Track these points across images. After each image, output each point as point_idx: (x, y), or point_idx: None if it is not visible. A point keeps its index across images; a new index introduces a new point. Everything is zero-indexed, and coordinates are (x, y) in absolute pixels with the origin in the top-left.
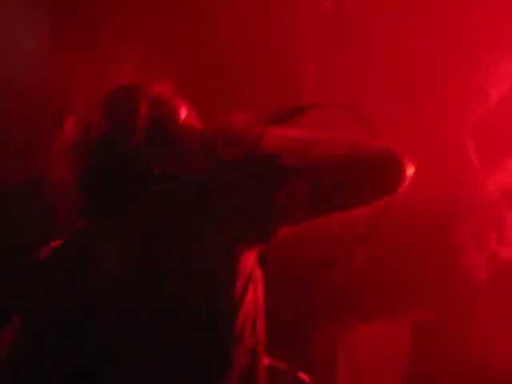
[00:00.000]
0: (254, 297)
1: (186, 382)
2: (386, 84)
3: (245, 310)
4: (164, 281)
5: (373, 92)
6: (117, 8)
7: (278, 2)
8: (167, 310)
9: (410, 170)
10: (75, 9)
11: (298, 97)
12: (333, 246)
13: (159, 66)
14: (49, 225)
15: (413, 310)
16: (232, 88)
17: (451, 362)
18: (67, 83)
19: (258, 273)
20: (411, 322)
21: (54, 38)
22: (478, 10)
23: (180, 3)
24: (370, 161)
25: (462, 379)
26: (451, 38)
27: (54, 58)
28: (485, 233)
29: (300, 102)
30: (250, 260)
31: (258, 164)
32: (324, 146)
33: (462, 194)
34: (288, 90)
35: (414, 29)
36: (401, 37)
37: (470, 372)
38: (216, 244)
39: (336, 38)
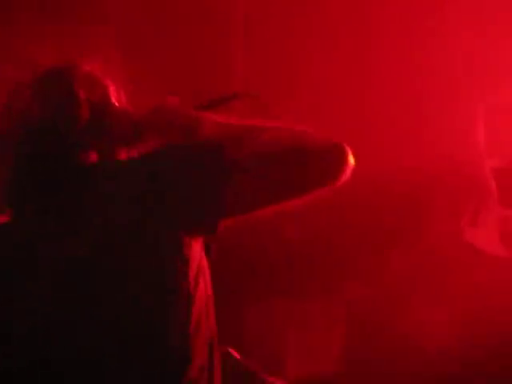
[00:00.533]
0: (204, 286)
1: (148, 377)
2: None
3: (199, 299)
4: (113, 276)
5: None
6: None
7: None
8: (121, 306)
9: (352, 161)
10: None
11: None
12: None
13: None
14: None
15: (348, 288)
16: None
17: (386, 340)
18: None
19: (205, 261)
20: (347, 299)
21: None
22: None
23: None
24: (313, 150)
25: (396, 358)
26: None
27: None
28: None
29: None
30: (197, 250)
31: (204, 155)
32: (266, 136)
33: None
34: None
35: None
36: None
37: (403, 351)
38: (163, 235)
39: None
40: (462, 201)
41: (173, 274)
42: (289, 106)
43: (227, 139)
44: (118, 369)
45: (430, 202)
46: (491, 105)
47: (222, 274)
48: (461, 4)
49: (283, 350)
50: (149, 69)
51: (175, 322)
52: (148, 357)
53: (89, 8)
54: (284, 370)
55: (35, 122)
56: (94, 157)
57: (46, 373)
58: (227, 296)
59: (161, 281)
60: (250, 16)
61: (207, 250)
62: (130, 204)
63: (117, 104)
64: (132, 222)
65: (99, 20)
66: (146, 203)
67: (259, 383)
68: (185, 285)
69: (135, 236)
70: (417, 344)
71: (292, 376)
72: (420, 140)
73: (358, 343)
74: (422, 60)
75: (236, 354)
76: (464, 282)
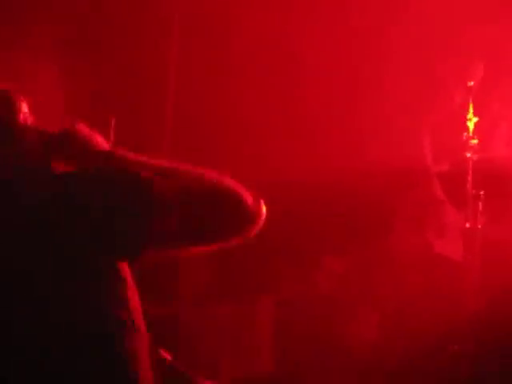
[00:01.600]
0: (131, 292)
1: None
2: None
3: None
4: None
5: None
6: None
7: None
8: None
9: (263, 211)
10: None
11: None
12: None
13: None
14: None
15: (276, 288)
16: None
17: (313, 340)
18: None
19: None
20: (274, 300)
21: None
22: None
23: None
24: (233, 196)
25: (324, 356)
26: None
27: None
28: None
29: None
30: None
31: (133, 183)
32: (188, 176)
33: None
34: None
35: None
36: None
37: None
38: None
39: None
40: (426, 213)
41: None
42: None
43: (145, 172)
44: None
45: (391, 210)
46: (436, 117)
47: (156, 278)
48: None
49: (217, 352)
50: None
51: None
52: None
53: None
54: (218, 371)
55: None
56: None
57: None
58: (163, 299)
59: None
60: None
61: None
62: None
63: (25, 121)
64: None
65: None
66: (58, 227)
67: None
68: (111, 298)
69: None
70: (345, 343)
71: (226, 378)
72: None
73: (286, 344)
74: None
75: (168, 356)
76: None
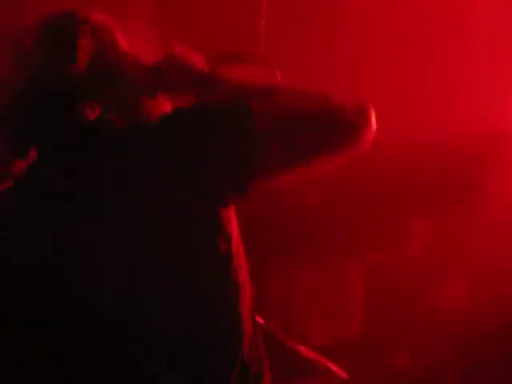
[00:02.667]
0: (241, 255)
1: (206, 351)
2: None
3: (241, 270)
4: (153, 245)
5: None
6: None
7: None
8: (166, 276)
9: (375, 120)
10: None
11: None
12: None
13: None
14: None
15: (366, 253)
16: None
17: (401, 307)
18: None
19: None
20: (365, 265)
21: None
22: None
23: None
24: (340, 111)
25: (412, 324)
26: None
27: None
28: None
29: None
30: (233, 220)
31: (234, 116)
32: (291, 96)
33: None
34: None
35: None
36: None
37: (418, 317)
38: (200, 204)
39: None
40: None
41: (216, 246)
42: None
43: (253, 99)
44: (171, 341)
45: (481, 171)
46: None
47: (245, 241)
48: None
49: (306, 316)
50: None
51: (226, 295)
52: (204, 333)
53: None
54: (308, 335)
55: (33, 70)
56: (96, 108)
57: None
58: (251, 263)
59: (203, 254)
60: None
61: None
62: (158, 171)
63: (124, 51)
64: (164, 190)
65: None
66: (177, 170)
67: (284, 349)
68: (228, 256)
69: (172, 205)
70: (435, 307)
71: (315, 341)
72: (455, 116)
73: (376, 309)
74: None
75: (260, 321)
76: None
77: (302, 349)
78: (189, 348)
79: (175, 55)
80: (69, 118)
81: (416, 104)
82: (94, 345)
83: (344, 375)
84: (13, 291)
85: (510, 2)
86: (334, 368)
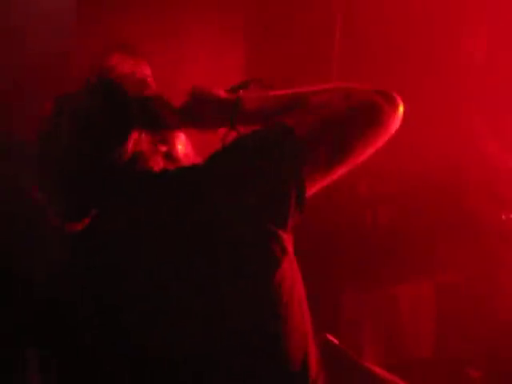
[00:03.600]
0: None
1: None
2: None
3: (298, 293)
4: (210, 279)
5: None
6: None
7: None
8: (228, 309)
9: (401, 107)
10: None
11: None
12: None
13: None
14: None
15: (435, 273)
16: None
17: (476, 325)
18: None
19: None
20: (435, 284)
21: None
22: None
23: None
24: (369, 105)
25: (487, 341)
26: None
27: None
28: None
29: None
30: (290, 242)
31: (277, 139)
32: (316, 100)
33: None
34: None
35: None
36: None
37: (495, 333)
38: (258, 229)
39: None
40: None
41: (276, 271)
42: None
43: (285, 115)
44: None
45: None
46: None
47: (317, 265)
48: None
49: (379, 336)
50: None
51: (291, 320)
52: (273, 361)
53: None
54: (381, 355)
55: (96, 130)
56: (151, 157)
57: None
58: (322, 283)
59: (266, 280)
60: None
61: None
62: (219, 202)
63: (157, 94)
64: (225, 220)
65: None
66: (235, 198)
67: (358, 369)
68: (288, 279)
69: (232, 234)
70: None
71: (389, 361)
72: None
73: (448, 328)
74: None
75: (334, 340)
76: None
77: (377, 369)
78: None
79: (197, 90)
80: (122, 166)
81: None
82: None
83: None
84: (81, 341)
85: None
86: None
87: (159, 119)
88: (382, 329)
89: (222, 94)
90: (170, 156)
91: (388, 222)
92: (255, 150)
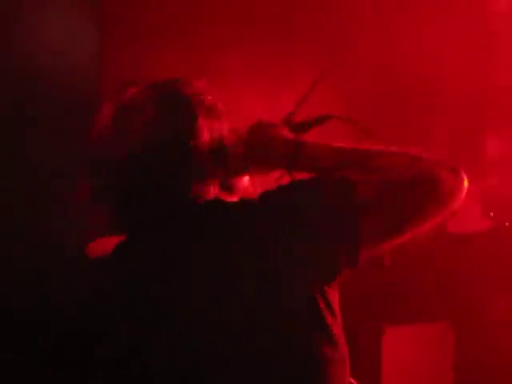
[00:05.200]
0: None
1: None
2: None
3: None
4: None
5: None
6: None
7: None
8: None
9: (466, 184)
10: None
11: None
12: None
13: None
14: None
15: (451, 312)
16: None
17: (492, 365)
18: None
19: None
20: (453, 323)
21: (105, 39)
22: None
23: None
24: (432, 180)
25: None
26: None
27: (105, 60)
28: None
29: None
30: (336, 297)
31: (336, 192)
32: (381, 161)
33: None
34: None
35: None
36: None
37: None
38: (301, 282)
39: None
40: None
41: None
42: None
43: (346, 169)
44: None
45: None
46: None
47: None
48: None
49: (399, 379)
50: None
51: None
52: None
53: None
54: None
55: (152, 146)
56: (208, 189)
57: None
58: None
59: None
60: None
61: None
62: (258, 247)
63: (231, 133)
64: (263, 268)
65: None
66: (278, 245)
67: None
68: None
69: (269, 284)
70: None
71: None
72: None
73: (467, 368)
74: None
75: (354, 382)
76: None
77: None
78: None
79: (258, 128)
80: (181, 198)
81: None
82: None
83: None
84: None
85: None
86: None
87: (228, 159)
88: (402, 370)
89: (285, 133)
90: (225, 185)
91: (404, 262)
92: (315, 198)
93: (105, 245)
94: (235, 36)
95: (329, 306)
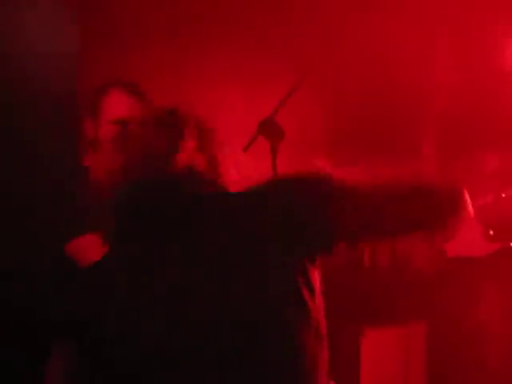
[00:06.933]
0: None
1: None
2: None
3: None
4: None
5: None
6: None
7: None
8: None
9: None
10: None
11: None
12: None
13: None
14: None
15: (424, 313)
16: None
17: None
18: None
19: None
20: (426, 323)
21: (84, 38)
22: None
23: None
24: (432, 192)
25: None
26: None
27: (83, 59)
28: None
29: None
30: (317, 278)
31: (313, 183)
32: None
33: None
34: None
35: None
36: None
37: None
38: (284, 262)
39: None
40: None
41: (301, 304)
42: None
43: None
44: None
45: None
46: None
47: None
48: None
49: (370, 379)
50: None
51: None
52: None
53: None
54: None
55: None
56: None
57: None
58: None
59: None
60: None
61: None
62: (248, 235)
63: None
64: (252, 252)
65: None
66: (265, 233)
67: None
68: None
69: (256, 265)
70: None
71: None
72: None
73: (439, 370)
74: None
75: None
76: None
77: None
78: None
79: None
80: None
81: None
82: None
83: None
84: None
85: None
86: None
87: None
88: (373, 370)
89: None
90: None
91: (388, 263)
92: (297, 197)
93: (86, 243)
94: (218, 36)
95: (308, 283)
